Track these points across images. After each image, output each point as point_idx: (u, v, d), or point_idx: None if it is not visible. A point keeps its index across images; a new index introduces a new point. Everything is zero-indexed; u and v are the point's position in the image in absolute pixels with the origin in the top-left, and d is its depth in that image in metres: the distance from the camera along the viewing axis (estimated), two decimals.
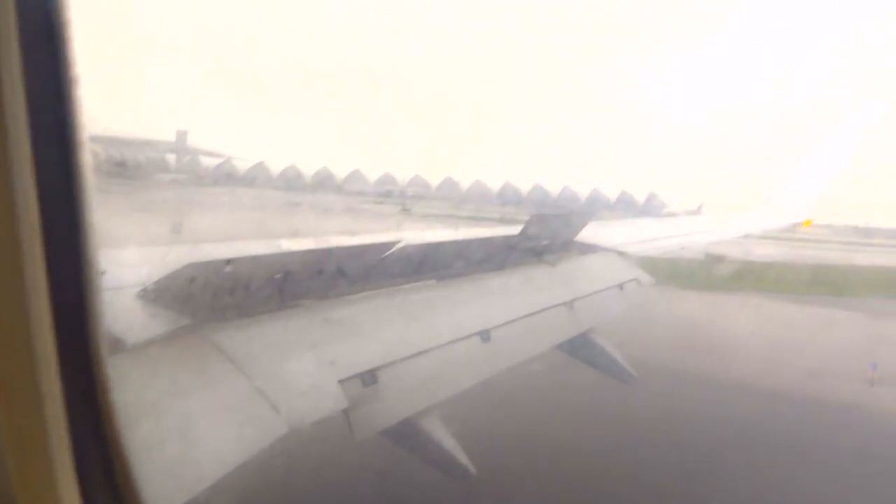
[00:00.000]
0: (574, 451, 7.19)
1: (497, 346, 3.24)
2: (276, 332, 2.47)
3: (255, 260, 2.57)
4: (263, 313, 2.50)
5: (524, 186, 78.19)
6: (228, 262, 2.38)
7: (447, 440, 2.80)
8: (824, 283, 20.72)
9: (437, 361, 2.89)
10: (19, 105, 0.95)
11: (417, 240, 3.68)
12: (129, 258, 2.80)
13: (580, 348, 4.40)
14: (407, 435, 2.71)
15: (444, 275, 3.62)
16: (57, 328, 1.00)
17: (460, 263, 3.79)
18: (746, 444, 7.66)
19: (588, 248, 5.26)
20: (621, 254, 5.57)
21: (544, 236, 4.62)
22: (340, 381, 2.37)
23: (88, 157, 1.10)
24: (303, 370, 2.37)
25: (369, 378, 2.50)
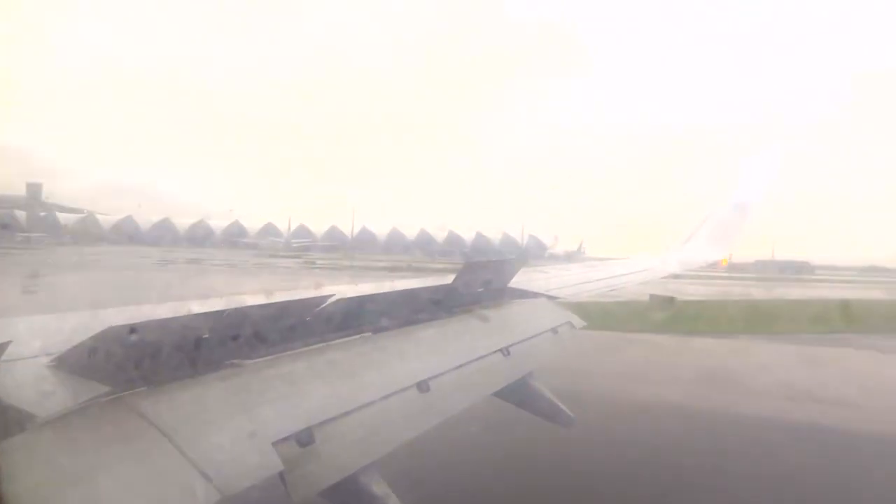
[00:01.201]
0: (516, 496, 7.16)
1: (436, 396, 3.22)
2: (204, 395, 2.38)
3: (179, 321, 2.48)
4: (191, 377, 2.41)
5: (410, 232, 79.75)
6: (152, 324, 2.30)
7: (389, 496, 2.73)
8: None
9: (376, 415, 2.83)
10: None
11: (350, 293, 3.66)
12: (34, 326, 2.66)
13: (519, 394, 4.43)
14: (347, 494, 2.63)
15: (379, 327, 3.61)
16: None
17: (395, 315, 3.79)
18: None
19: (520, 294, 5.37)
20: (552, 298, 5.72)
21: (478, 283, 4.69)
22: (274, 443, 2.29)
23: None
24: (233, 434, 2.28)
25: (305, 437, 2.42)
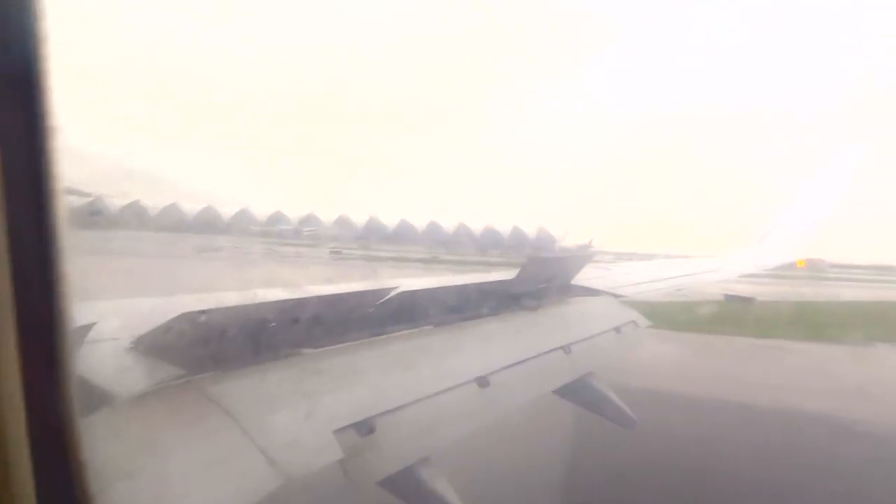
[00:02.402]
0: (576, 497, 7.04)
1: (495, 392, 3.21)
2: (271, 382, 2.45)
3: (250, 309, 2.57)
4: (257, 363, 2.49)
5: (419, 223, 78.17)
6: (223, 311, 2.38)
7: (446, 489, 2.74)
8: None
9: (435, 409, 2.85)
10: None
11: (413, 286, 3.69)
12: (118, 309, 2.80)
13: (580, 393, 4.36)
14: (405, 485, 2.65)
15: (440, 321, 3.62)
16: (26, 386, 0.98)
17: (457, 309, 3.79)
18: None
19: (584, 292, 5.27)
20: (616, 296, 5.58)
21: (541, 280, 4.63)
22: (335, 432, 2.34)
23: (63, 208, 1.10)
24: (297, 420, 2.34)
25: (365, 428, 2.46)
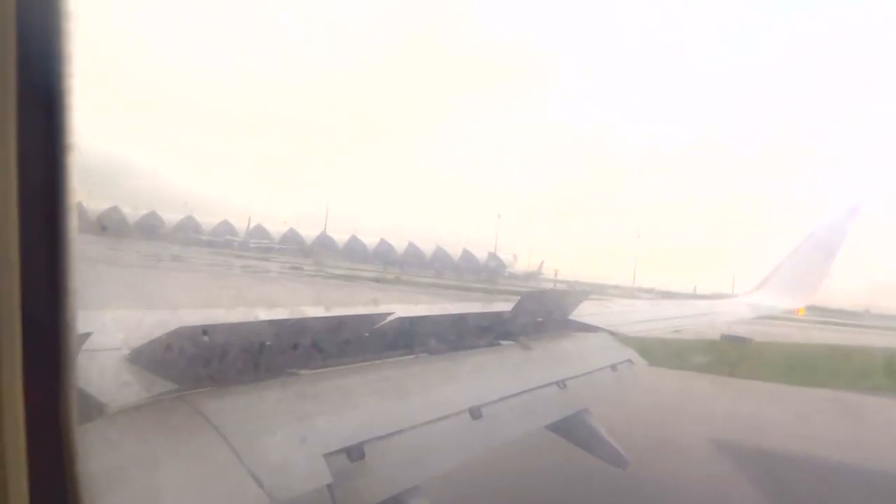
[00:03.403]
0: None
1: (488, 423, 3.19)
2: (263, 402, 2.45)
3: (247, 327, 2.58)
4: (252, 382, 2.49)
5: (370, 241, 77.33)
6: (219, 328, 2.39)
7: None
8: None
9: (427, 437, 2.83)
10: (10, 167, 0.97)
11: (410, 312, 3.70)
12: (116, 320, 2.81)
13: (573, 429, 4.33)
14: None
15: (436, 349, 3.62)
16: (28, 392, 0.99)
17: (453, 338, 3.79)
18: None
19: (581, 327, 5.27)
20: (614, 334, 5.57)
21: (538, 313, 4.64)
22: (325, 455, 2.33)
23: (74, 219, 1.12)
24: (287, 442, 2.33)
25: (356, 453, 2.44)
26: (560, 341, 4.85)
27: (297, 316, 2.84)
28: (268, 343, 2.57)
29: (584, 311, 5.62)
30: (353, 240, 79.08)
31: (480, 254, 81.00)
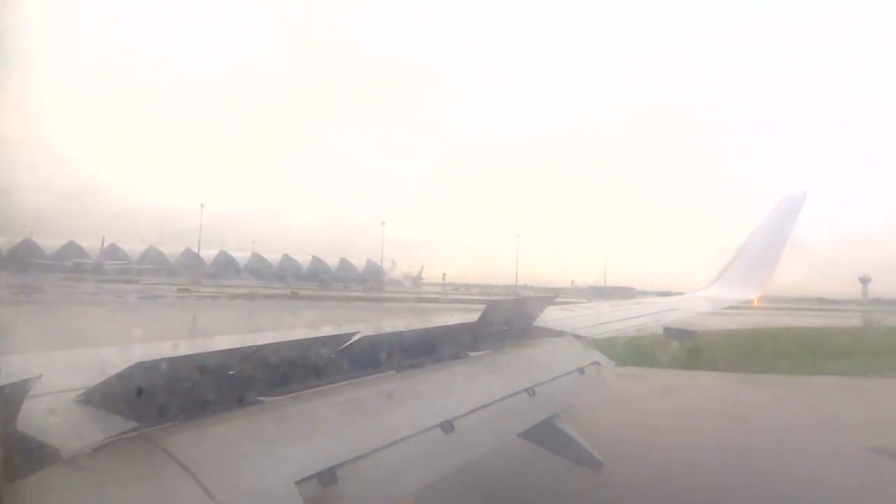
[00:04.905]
0: None
1: (460, 436, 3.18)
2: (228, 432, 2.38)
3: (207, 357, 2.51)
4: (214, 413, 2.42)
5: (241, 255, 76.13)
6: (178, 360, 2.32)
7: None
8: None
9: (400, 456, 2.80)
10: None
11: (375, 331, 3.67)
12: (67, 360, 2.70)
13: (545, 435, 4.35)
14: None
15: (403, 366, 3.59)
16: None
17: (420, 353, 3.77)
18: None
19: (547, 333, 5.31)
20: (579, 337, 5.64)
21: (503, 322, 4.66)
22: (297, 482, 2.27)
23: None
24: (257, 472, 2.27)
25: (328, 477, 2.40)
26: (527, 348, 4.87)
27: (258, 342, 2.77)
28: (229, 371, 2.51)
29: (549, 317, 5.67)
30: (222, 255, 76.67)
31: (358, 261, 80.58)
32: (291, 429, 2.59)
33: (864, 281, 46.69)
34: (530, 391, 4.05)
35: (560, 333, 5.52)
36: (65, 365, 2.60)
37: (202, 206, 63.49)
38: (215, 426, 2.36)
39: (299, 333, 3.25)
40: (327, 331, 3.42)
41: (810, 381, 17.49)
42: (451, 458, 3.11)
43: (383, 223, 72.68)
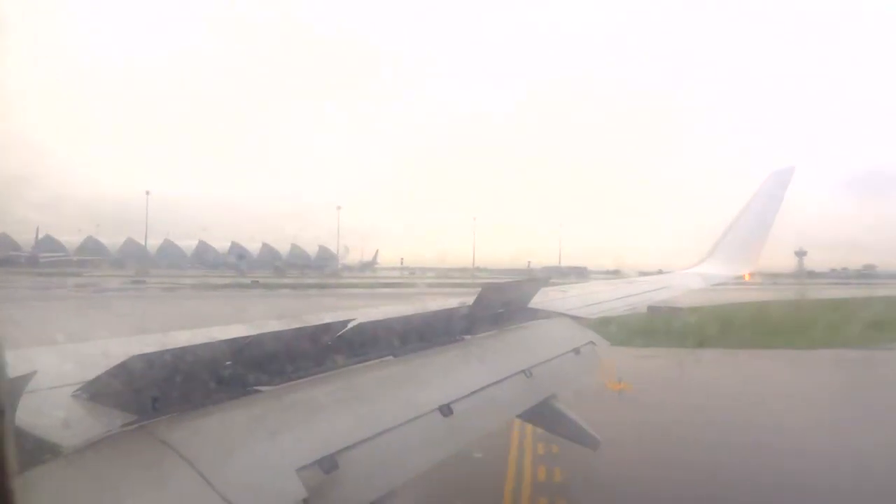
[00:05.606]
0: None
1: (459, 420, 3.19)
2: (228, 422, 2.37)
3: (204, 348, 2.49)
4: (213, 404, 2.41)
5: (187, 244, 73.88)
6: (174, 352, 2.31)
7: None
8: None
9: (399, 440, 2.81)
10: None
11: (371, 316, 3.66)
12: (61, 355, 2.68)
13: (543, 416, 4.37)
14: None
15: (400, 351, 3.59)
16: None
17: (416, 338, 3.77)
18: None
19: (542, 314, 5.32)
20: (574, 318, 5.66)
21: (498, 305, 4.66)
22: (298, 470, 2.28)
23: None
24: (257, 461, 2.27)
25: (329, 464, 2.40)
26: (522, 331, 4.89)
27: (254, 331, 2.76)
28: (227, 362, 2.50)
29: (544, 298, 5.68)
30: (168, 244, 73.44)
31: (311, 248, 78.81)
32: (291, 417, 2.59)
33: (800, 255, 48.96)
34: (527, 373, 4.06)
35: (555, 314, 5.54)
36: (52, 360, 2.58)
37: (147, 192, 60.59)
38: (214, 417, 2.36)
39: (297, 322, 3.24)
40: (322, 318, 3.41)
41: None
42: (451, 441, 3.13)
43: (339, 208, 71.97)
